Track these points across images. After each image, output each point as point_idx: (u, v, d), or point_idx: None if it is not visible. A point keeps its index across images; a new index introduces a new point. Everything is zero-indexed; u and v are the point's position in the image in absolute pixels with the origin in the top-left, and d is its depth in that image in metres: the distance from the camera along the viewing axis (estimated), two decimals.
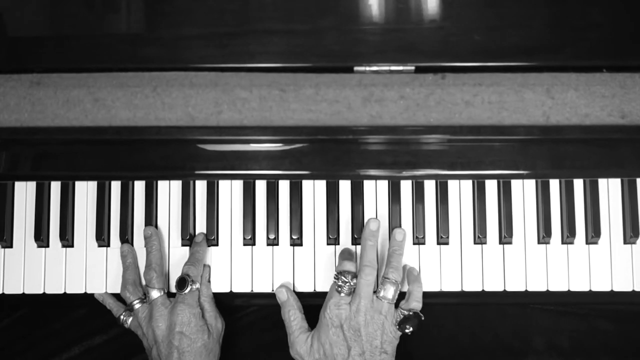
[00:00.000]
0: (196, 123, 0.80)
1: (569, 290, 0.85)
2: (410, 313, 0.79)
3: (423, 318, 0.79)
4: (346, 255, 0.84)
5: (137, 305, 0.82)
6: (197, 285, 0.81)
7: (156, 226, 0.86)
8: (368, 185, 0.86)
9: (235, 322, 0.90)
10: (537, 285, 0.85)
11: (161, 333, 0.79)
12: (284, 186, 0.87)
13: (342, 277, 0.79)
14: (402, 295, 0.82)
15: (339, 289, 0.79)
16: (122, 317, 0.83)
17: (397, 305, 0.81)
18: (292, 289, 0.85)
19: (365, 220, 0.85)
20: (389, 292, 0.79)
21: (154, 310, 0.80)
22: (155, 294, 0.81)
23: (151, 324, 0.80)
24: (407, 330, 0.78)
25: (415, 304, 0.81)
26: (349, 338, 0.77)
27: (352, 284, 0.79)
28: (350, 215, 0.86)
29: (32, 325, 0.91)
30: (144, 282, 0.84)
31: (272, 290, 0.85)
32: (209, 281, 0.85)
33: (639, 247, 0.85)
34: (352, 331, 0.77)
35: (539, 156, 0.82)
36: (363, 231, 0.83)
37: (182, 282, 0.80)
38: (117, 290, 0.85)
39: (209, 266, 0.85)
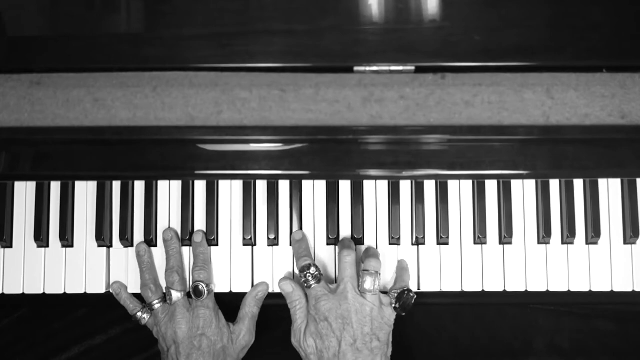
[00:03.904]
0: (196, 123, 0.80)
1: (569, 290, 0.85)
2: (403, 290, 0.79)
3: (415, 295, 0.79)
4: (301, 252, 0.83)
5: (157, 305, 0.83)
6: (212, 288, 0.83)
7: (156, 226, 0.86)
8: (368, 185, 0.86)
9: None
10: (537, 285, 0.85)
11: (182, 334, 0.80)
12: (284, 186, 0.87)
13: (302, 273, 0.80)
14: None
15: (306, 284, 0.80)
16: (139, 314, 0.83)
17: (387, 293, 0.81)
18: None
19: (365, 221, 0.85)
20: (367, 283, 0.78)
21: (177, 311, 0.81)
22: (176, 295, 0.82)
23: (173, 325, 0.80)
24: (397, 306, 0.78)
25: (403, 284, 0.81)
26: (338, 329, 0.77)
27: (312, 272, 0.80)
28: (350, 215, 0.86)
29: (32, 325, 0.91)
30: (163, 283, 0.85)
31: (273, 291, 0.85)
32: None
33: (639, 247, 0.85)
34: (341, 320, 0.77)
35: (539, 156, 0.82)
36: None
37: (197, 290, 0.81)
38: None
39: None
